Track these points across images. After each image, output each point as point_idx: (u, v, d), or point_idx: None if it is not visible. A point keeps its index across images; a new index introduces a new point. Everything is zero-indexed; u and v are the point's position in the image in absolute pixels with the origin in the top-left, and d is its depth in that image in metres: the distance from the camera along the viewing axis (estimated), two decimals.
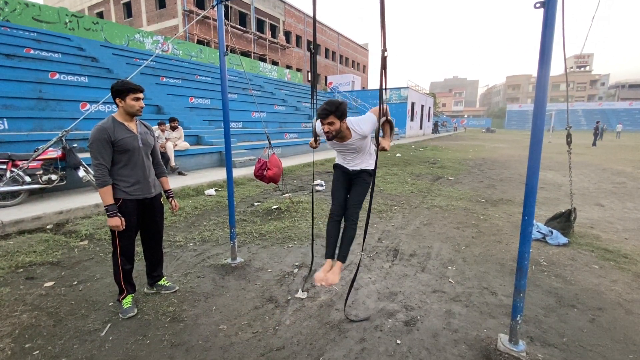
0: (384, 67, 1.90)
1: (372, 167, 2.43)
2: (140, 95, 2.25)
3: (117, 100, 2.22)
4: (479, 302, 2.58)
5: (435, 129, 36.53)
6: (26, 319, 2.27)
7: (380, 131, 2.23)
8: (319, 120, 2.33)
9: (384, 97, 1.96)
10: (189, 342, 2.08)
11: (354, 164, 2.49)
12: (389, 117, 2.24)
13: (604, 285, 2.87)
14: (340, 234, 2.48)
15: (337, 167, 2.60)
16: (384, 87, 1.98)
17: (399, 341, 2.11)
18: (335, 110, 2.18)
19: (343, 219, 2.50)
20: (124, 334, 2.15)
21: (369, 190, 2.32)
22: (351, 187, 2.52)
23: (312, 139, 2.64)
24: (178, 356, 1.96)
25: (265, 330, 2.21)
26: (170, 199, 2.60)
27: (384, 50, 1.85)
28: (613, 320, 2.36)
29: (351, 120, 2.31)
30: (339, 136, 2.31)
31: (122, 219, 2.23)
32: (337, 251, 2.43)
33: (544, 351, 2.02)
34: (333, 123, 2.21)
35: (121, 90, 2.19)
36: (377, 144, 2.22)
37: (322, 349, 2.03)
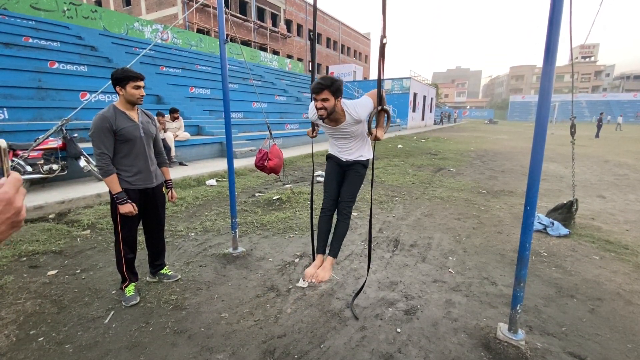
0: (382, 54, 1.88)
1: (366, 157, 2.34)
2: (141, 83, 2.23)
3: (118, 89, 2.20)
4: (479, 291, 2.60)
5: (441, 121, 36.54)
6: (30, 307, 2.30)
7: (374, 121, 2.14)
8: (312, 103, 2.17)
9: (382, 86, 1.91)
10: (191, 330, 2.11)
11: (348, 152, 2.35)
12: (385, 106, 2.13)
13: (604, 276, 2.88)
14: (332, 229, 2.36)
15: (329, 158, 2.47)
16: (382, 76, 1.97)
17: (399, 330, 2.13)
18: (330, 84, 2.02)
19: (335, 213, 2.39)
20: (127, 321, 2.18)
21: (362, 182, 2.25)
22: (344, 180, 2.39)
23: (310, 128, 2.55)
24: (180, 343, 1.99)
25: (266, 318, 2.23)
26: (170, 189, 2.60)
27: (383, 36, 1.83)
28: (612, 311, 2.37)
29: (346, 103, 2.18)
30: (332, 118, 2.16)
31: (134, 204, 2.24)
32: (328, 247, 2.32)
33: (542, 340, 2.04)
34: (327, 99, 2.04)
35: (121, 78, 2.17)
36: (369, 132, 2.14)
37: (323, 337, 2.06)
